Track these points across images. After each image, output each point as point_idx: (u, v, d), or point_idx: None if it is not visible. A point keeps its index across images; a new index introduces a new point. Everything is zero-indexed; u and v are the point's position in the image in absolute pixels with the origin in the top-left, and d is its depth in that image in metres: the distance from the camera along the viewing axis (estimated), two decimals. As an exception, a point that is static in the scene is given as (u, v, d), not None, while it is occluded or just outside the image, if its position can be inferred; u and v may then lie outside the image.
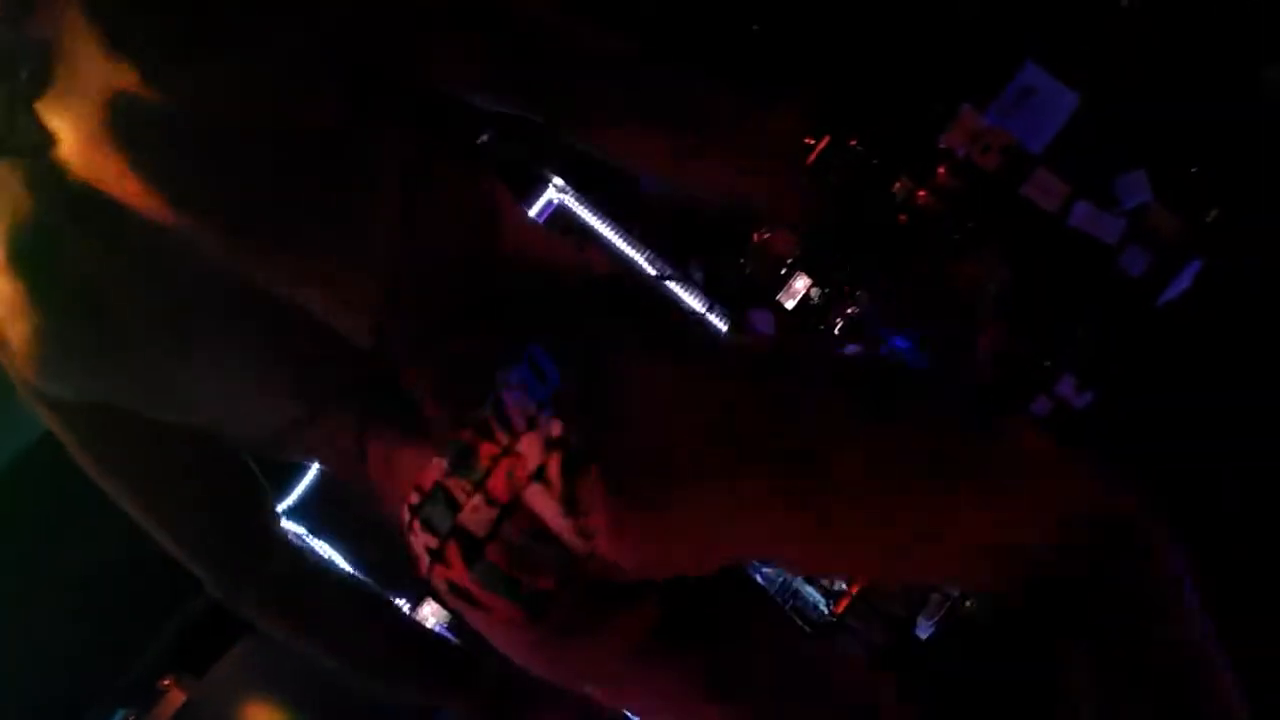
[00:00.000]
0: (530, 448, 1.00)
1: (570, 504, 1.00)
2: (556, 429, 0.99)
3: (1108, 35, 3.41)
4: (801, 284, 3.49)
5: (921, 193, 3.37)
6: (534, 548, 1.02)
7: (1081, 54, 3.40)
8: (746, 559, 1.38)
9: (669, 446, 1.00)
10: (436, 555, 1.05)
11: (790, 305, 3.50)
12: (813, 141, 3.77)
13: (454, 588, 1.05)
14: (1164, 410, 3.03)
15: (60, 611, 3.22)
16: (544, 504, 1.01)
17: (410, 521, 1.07)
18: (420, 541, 1.07)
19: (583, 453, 0.99)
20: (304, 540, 3.92)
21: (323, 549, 3.93)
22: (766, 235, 3.51)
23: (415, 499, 1.05)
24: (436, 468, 1.04)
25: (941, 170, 3.37)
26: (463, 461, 1.03)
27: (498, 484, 1.02)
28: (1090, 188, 3.35)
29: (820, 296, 3.47)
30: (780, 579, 3.21)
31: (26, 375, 1.04)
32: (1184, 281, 3.27)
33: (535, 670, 1.14)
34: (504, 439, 1.02)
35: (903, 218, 3.44)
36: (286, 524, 3.89)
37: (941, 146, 3.38)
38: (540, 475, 1.00)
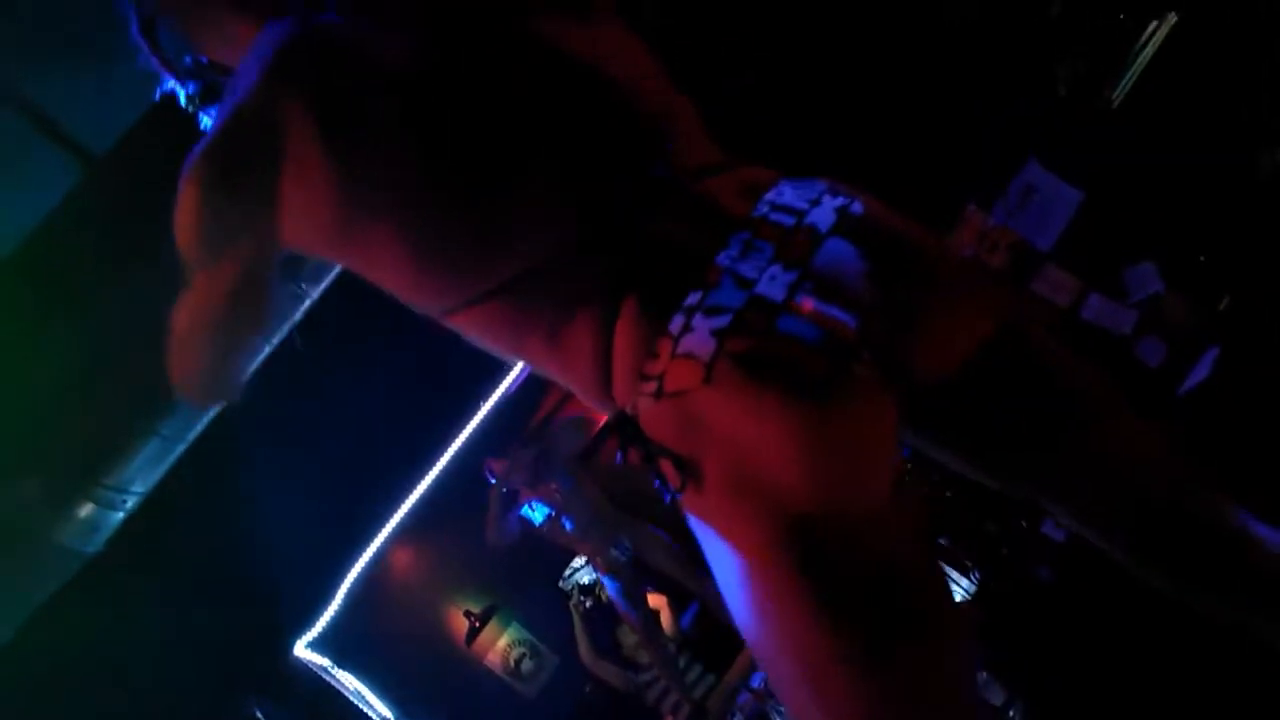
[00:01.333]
0: (822, 217, 1.08)
1: (869, 244, 1.07)
2: (843, 199, 1.11)
3: (1104, 132, 3.48)
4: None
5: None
6: (830, 303, 1.03)
7: (1081, 151, 3.46)
8: None
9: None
10: (730, 330, 1.01)
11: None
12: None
13: (747, 358, 1.00)
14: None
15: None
16: (843, 251, 1.06)
17: (685, 323, 1.03)
18: (695, 338, 1.02)
19: (867, 209, 1.11)
20: (328, 672, 3.87)
21: (348, 680, 3.87)
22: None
23: (695, 298, 1.03)
24: (723, 258, 1.05)
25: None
26: (750, 248, 1.06)
27: (794, 251, 1.06)
28: (1100, 281, 3.37)
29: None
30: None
31: None
32: (1203, 369, 3.25)
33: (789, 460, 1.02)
34: (790, 221, 1.08)
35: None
36: (311, 656, 3.86)
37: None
38: (837, 229, 1.08)
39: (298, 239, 1.14)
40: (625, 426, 1.07)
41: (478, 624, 4.17)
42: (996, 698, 3.02)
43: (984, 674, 2.90)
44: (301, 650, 3.83)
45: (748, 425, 0.99)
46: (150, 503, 2.68)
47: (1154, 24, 3.41)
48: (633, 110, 1.15)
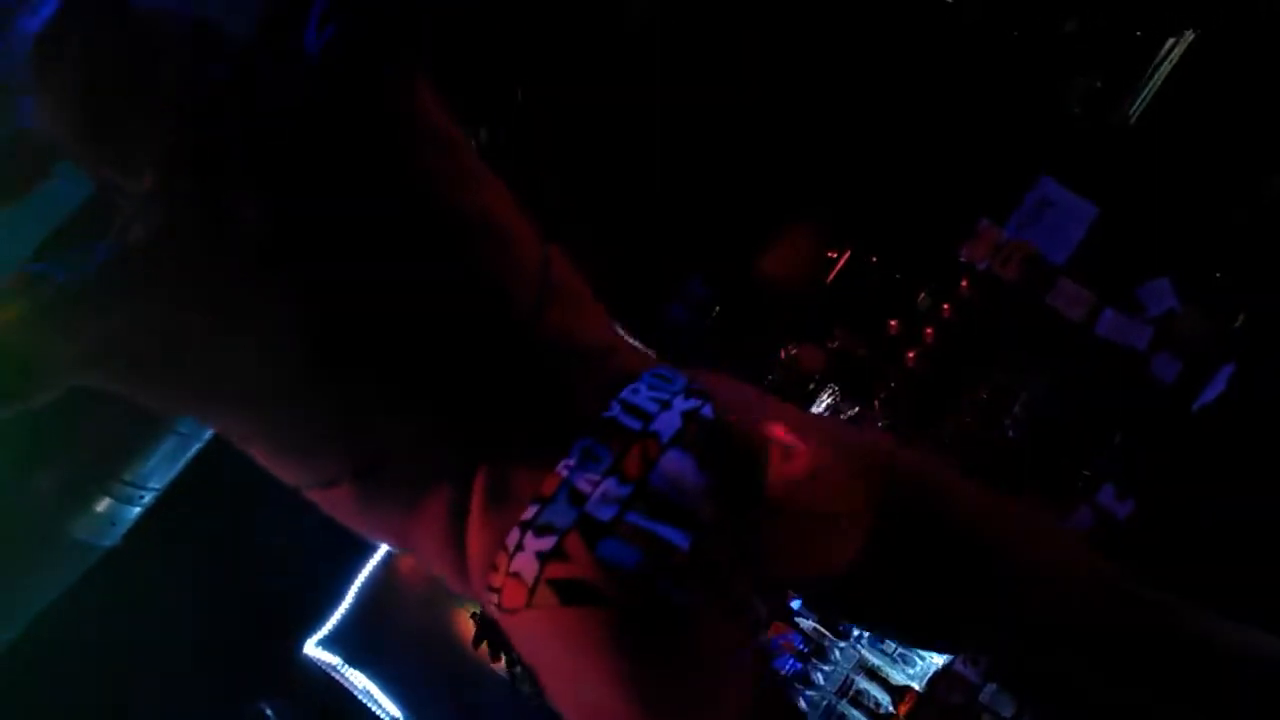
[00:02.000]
0: (667, 424, 1.07)
1: (712, 456, 1.05)
2: (695, 402, 1.09)
3: (1120, 148, 3.49)
4: (829, 398, 3.51)
5: (945, 306, 3.40)
6: (662, 522, 1.02)
7: (1096, 167, 3.47)
8: None
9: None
10: (551, 555, 1.02)
11: (820, 420, 3.52)
12: (834, 256, 3.85)
13: (563, 585, 1.01)
14: (1206, 515, 2.97)
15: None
16: (682, 464, 1.05)
17: (519, 540, 1.04)
18: (524, 558, 1.03)
19: (722, 413, 1.08)
20: (338, 671, 3.88)
21: (357, 679, 3.88)
22: (794, 351, 3.55)
23: (531, 512, 1.04)
24: (562, 468, 1.05)
25: (964, 283, 3.41)
26: (589, 457, 1.05)
27: (631, 464, 1.05)
28: (1115, 296, 3.37)
29: (847, 410, 3.48)
30: (825, 702, 3.12)
31: None
32: (1218, 386, 3.24)
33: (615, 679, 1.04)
34: (636, 426, 1.07)
35: (929, 330, 3.47)
36: (320, 654, 3.88)
37: (962, 260, 3.43)
38: (678, 440, 1.06)
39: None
40: (487, 629, 1.11)
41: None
42: (1007, 709, 3.02)
43: (993, 685, 2.90)
44: (311, 648, 3.85)
45: (567, 656, 1.02)
46: (165, 498, 2.71)
47: (1171, 41, 3.42)
48: (502, 289, 1.11)
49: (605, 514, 1.02)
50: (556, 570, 1.01)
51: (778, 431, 1.12)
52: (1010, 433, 3.33)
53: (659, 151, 3.60)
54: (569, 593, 1.01)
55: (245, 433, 1.15)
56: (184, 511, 2.85)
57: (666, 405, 1.09)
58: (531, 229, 1.17)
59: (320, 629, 3.84)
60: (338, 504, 1.15)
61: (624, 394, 1.10)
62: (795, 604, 2.95)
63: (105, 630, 3.34)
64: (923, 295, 3.44)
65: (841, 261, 3.75)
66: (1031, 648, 1.22)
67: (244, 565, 3.71)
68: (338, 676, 3.84)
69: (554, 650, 1.03)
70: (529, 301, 1.12)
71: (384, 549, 3.89)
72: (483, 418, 1.09)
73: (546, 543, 1.02)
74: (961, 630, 1.22)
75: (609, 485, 1.03)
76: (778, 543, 1.09)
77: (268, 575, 3.71)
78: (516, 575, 1.03)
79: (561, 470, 1.05)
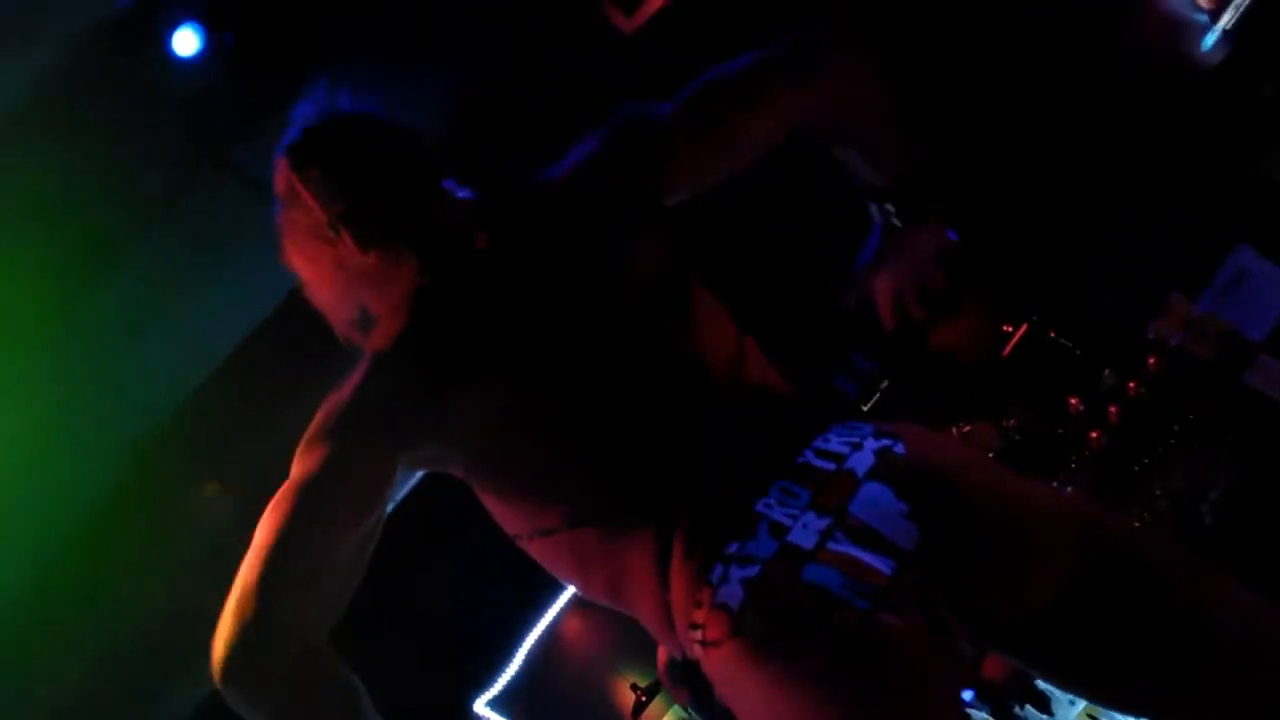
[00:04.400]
0: (861, 461, 1.11)
1: (909, 487, 1.07)
2: (886, 441, 1.13)
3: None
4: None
5: (1131, 384, 3.24)
6: (863, 549, 1.04)
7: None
8: None
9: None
10: (755, 581, 1.04)
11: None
12: (1010, 330, 3.73)
13: (769, 611, 1.03)
14: None
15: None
16: (879, 494, 1.08)
17: (723, 573, 1.06)
18: (728, 589, 1.05)
19: (915, 448, 1.12)
20: (504, 731, 3.97)
21: (524, 741, 3.95)
22: (966, 429, 3.45)
23: (733, 548, 1.07)
24: (761, 506, 1.09)
25: (1152, 360, 3.24)
26: (787, 494, 1.09)
27: (828, 498, 1.08)
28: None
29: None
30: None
31: None
32: None
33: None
34: (830, 467, 1.11)
35: (1113, 409, 3.31)
36: (489, 714, 3.98)
37: (1151, 336, 3.27)
38: (874, 474, 1.09)
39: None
40: (687, 674, 1.12)
41: (644, 698, 4.19)
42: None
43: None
44: (481, 708, 3.96)
45: (771, 686, 1.02)
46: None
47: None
48: (700, 361, 1.21)
49: (807, 542, 1.05)
50: (762, 595, 1.03)
51: (973, 463, 1.16)
52: (1207, 519, 3.12)
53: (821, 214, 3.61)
54: (775, 618, 1.03)
55: (477, 468, 1.25)
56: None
57: (858, 446, 1.13)
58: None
59: (489, 689, 3.94)
60: (550, 554, 1.22)
61: (815, 442, 1.14)
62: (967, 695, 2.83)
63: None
64: (1107, 372, 3.29)
65: (1018, 335, 3.64)
66: None
67: (419, 622, 3.87)
68: (505, 737, 3.93)
69: (757, 681, 1.03)
70: (729, 365, 1.22)
71: (554, 612, 3.98)
72: (683, 471, 1.15)
73: (750, 571, 1.04)
74: (1150, 698, 1.16)
75: (808, 518, 1.06)
76: (979, 567, 1.08)
77: (442, 633, 3.86)
78: (721, 606, 1.05)
79: (760, 508, 1.08)
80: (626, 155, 1.30)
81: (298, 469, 1.20)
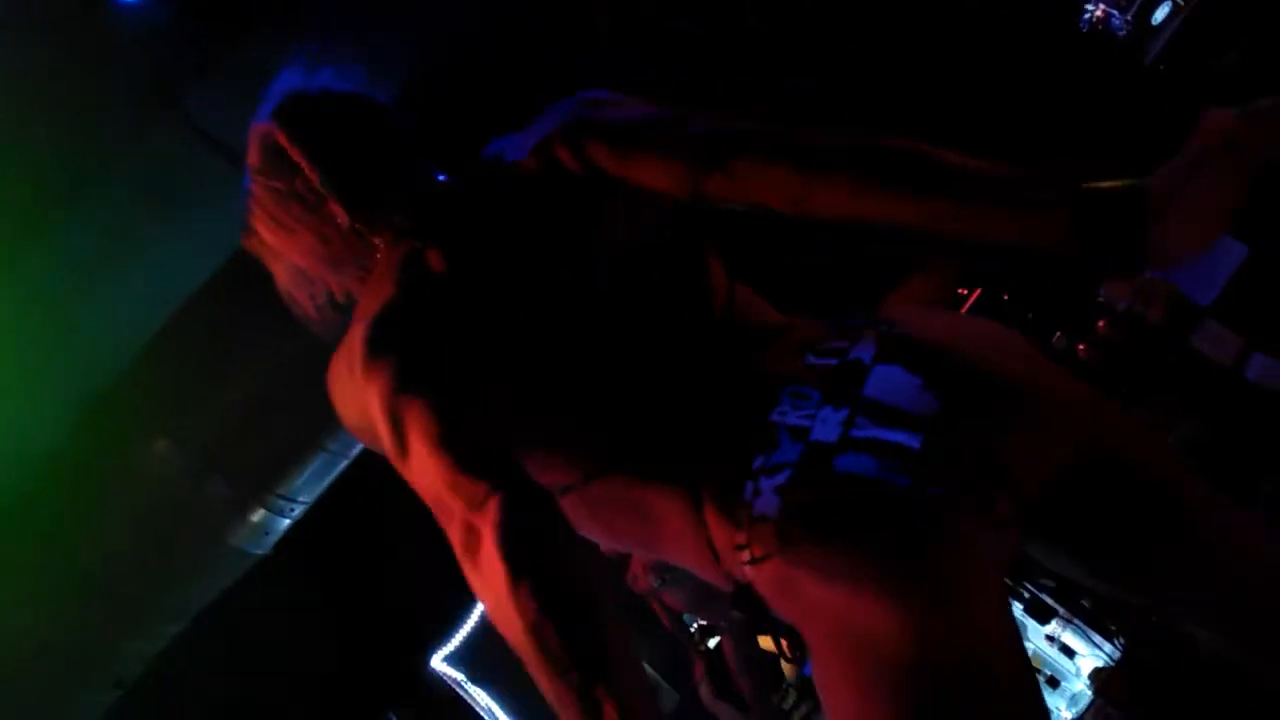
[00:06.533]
0: (864, 349, 1.11)
1: (919, 362, 1.08)
2: (883, 325, 1.13)
3: (1273, 187, 3.33)
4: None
5: (1081, 346, 3.31)
6: (887, 428, 1.04)
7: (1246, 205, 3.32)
8: None
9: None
10: (789, 485, 1.03)
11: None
12: (964, 293, 3.78)
13: (810, 510, 1.01)
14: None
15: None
16: (890, 373, 1.08)
17: (754, 488, 1.05)
18: (764, 500, 1.04)
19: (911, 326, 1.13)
20: (461, 687, 4.00)
21: (480, 696, 3.99)
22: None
23: (759, 462, 1.06)
24: (775, 416, 1.09)
25: (1101, 323, 3.30)
26: (799, 397, 1.09)
27: (841, 390, 1.08)
28: (1265, 340, 3.21)
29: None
30: None
31: None
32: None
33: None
34: (833, 362, 1.11)
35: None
36: (447, 669, 4.01)
37: (1101, 299, 3.33)
38: (880, 356, 1.09)
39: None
40: (744, 600, 1.10)
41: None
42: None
43: None
44: (438, 663, 3.99)
45: (827, 584, 1.00)
46: (313, 511, 2.87)
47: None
48: (693, 306, 1.22)
49: (830, 436, 1.04)
50: (799, 496, 1.02)
51: (982, 331, 1.15)
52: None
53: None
54: (819, 513, 1.01)
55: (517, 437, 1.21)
56: (331, 525, 3.02)
57: (856, 337, 1.13)
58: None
59: (447, 645, 3.97)
60: (574, 511, 1.17)
61: (814, 347, 1.15)
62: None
63: (249, 632, 3.53)
64: (1059, 335, 3.35)
65: (972, 298, 3.69)
66: (1224, 620, 1.17)
67: (380, 580, 3.88)
68: (461, 692, 3.96)
69: (814, 580, 1.01)
70: (721, 304, 1.23)
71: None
72: (694, 405, 1.14)
73: (781, 478, 1.03)
74: (1147, 575, 1.17)
75: (825, 413, 1.06)
76: (1003, 426, 1.08)
77: (402, 591, 3.87)
78: (761, 518, 1.03)
79: (775, 418, 1.08)
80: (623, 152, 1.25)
81: (411, 433, 1.16)
